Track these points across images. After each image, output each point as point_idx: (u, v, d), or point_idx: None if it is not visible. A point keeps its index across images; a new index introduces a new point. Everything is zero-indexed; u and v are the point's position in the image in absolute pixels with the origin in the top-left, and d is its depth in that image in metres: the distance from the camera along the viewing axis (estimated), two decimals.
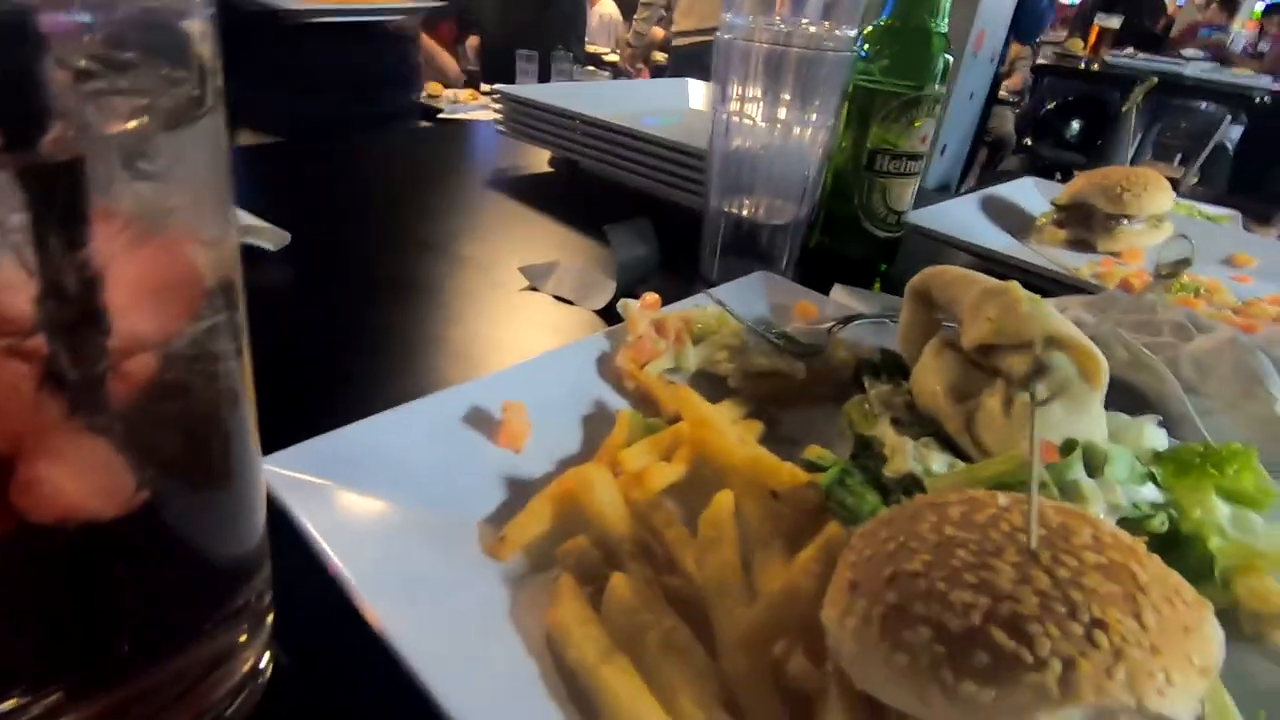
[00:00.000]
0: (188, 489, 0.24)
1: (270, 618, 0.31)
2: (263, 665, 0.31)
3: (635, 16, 4.21)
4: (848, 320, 0.61)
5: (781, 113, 0.69)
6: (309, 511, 0.34)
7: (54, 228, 0.18)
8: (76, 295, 0.19)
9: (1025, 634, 0.23)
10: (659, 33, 5.05)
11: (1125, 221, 0.90)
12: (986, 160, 4.43)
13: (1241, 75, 3.86)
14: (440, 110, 3.37)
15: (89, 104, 0.18)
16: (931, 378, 0.47)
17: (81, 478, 0.21)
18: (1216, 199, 1.93)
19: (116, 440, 0.21)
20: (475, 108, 3.42)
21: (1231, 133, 4.17)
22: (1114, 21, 4.45)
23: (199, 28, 0.19)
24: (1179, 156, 4.22)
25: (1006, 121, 4.40)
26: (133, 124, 0.19)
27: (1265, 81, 3.80)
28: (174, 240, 0.21)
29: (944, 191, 2.19)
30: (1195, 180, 4.03)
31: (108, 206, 0.19)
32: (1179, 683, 0.22)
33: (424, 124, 3.41)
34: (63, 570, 0.22)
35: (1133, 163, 3.73)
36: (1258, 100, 3.47)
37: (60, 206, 0.18)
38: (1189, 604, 0.25)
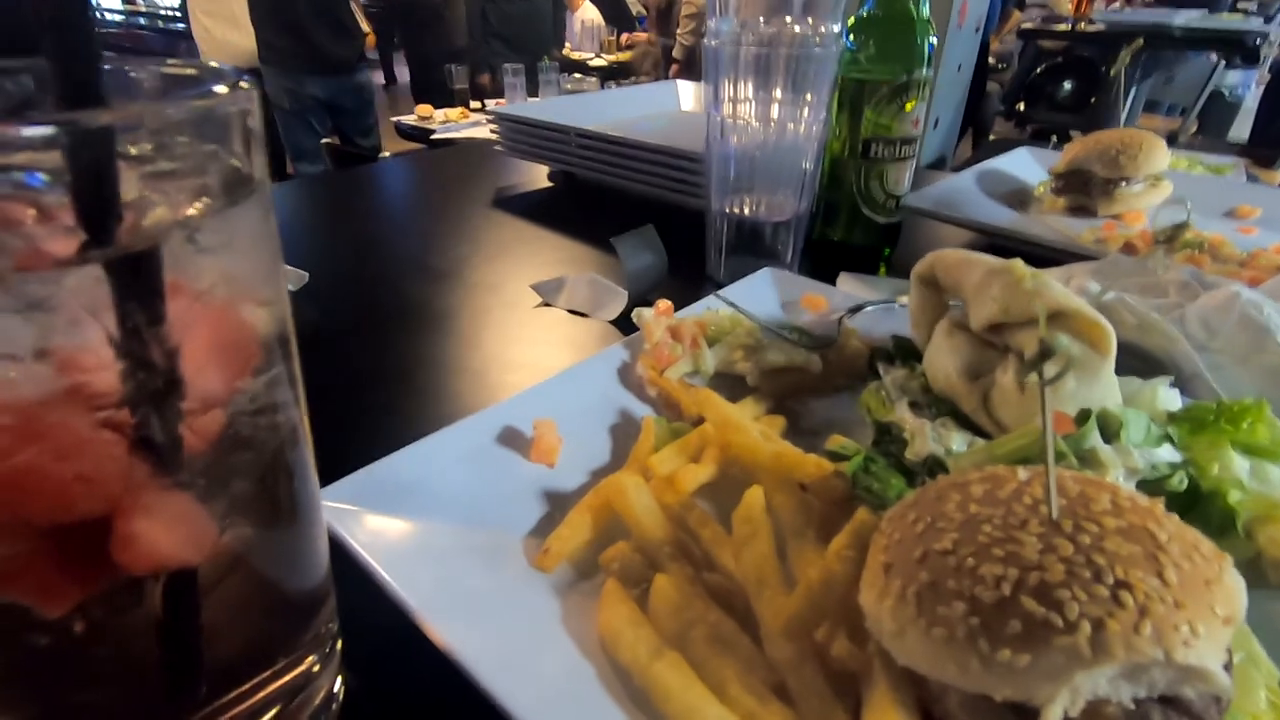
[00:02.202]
0: (261, 529, 0.26)
1: (338, 645, 0.33)
2: (335, 690, 0.33)
3: (678, 30, 4.24)
4: (856, 309, 0.62)
5: (774, 111, 0.70)
6: (363, 539, 0.36)
7: (136, 309, 0.20)
8: (158, 366, 0.20)
9: (1054, 600, 0.25)
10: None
11: (1124, 184, 0.91)
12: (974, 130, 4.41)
13: (1233, 20, 3.81)
14: (433, 131, 3.41)
15: (153, 190, 0.20)
16: (944, 359, 0.48)
17: (171, 530, 0.22)
18: (1217, 148, 1.92)
19: (197, 492, 0.23)
20: (466, 126, 3.45)
21: (1228, 79, 4.12)
22: None
23: (246, 111, 0.21)
24: (1174, 108, 4.19)
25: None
26: (196, 205, 0.20)
27: (1256, 24, 3.75)
28: (235, 305, 0.23)
29: (940, 165, 2.19)
30: (1194, 130, 3.99)
31: (176, 282, 0.21)
32: (1204, 633, 0.24)
33: (417, 145, 3.45)
34: (153, 616, 0.24)
35: (1126, 121, 3.70)
36: (1250, 44, 3.43)
37: (140, 290, 0.19)
38: (1208, 558, 0.26)
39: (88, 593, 0.23)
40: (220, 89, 0.21)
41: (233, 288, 0.22)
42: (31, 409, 0.19)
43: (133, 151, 0.20)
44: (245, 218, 0.22)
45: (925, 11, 0.74)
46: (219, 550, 0.24)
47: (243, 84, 0.21)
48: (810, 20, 0.67)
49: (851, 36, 0.75)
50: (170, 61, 0.23)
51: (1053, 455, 0.27)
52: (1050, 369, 0.25)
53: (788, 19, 0.67)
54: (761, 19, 0.68)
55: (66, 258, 0.19)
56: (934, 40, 0.74)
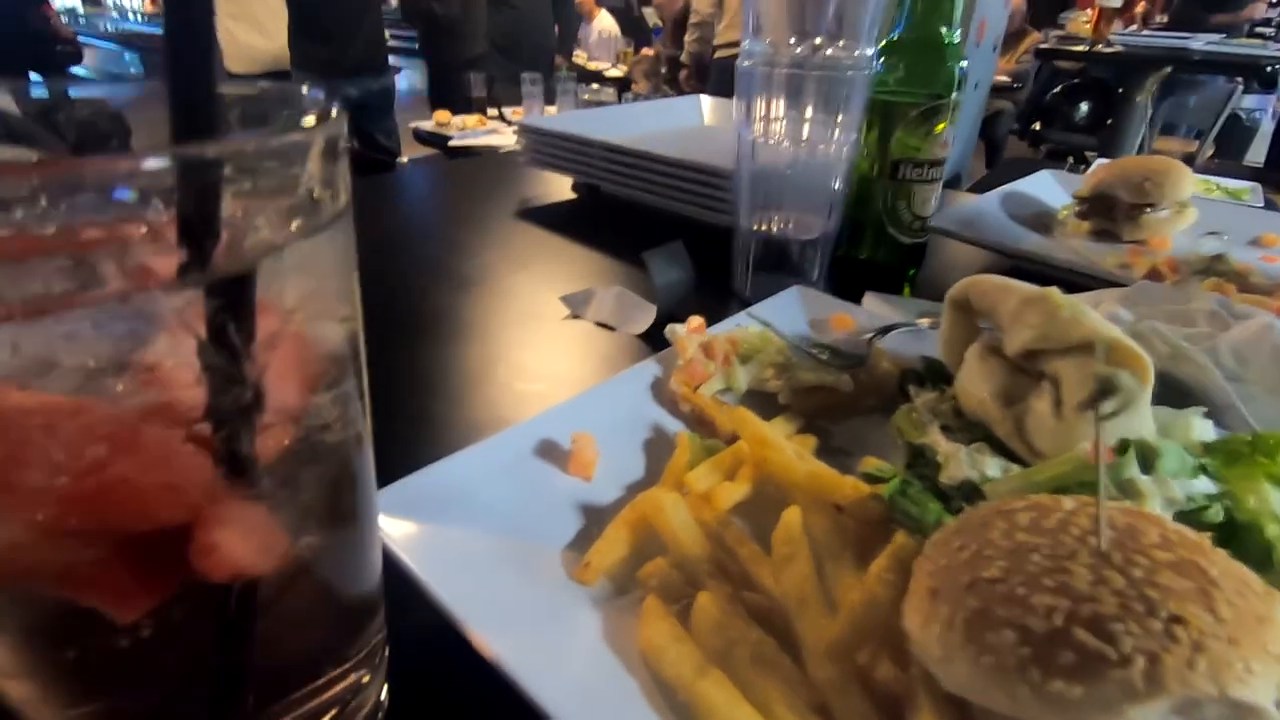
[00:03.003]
0: (327, 539, 0.27)
1: (386, 654, 0.33)
2: (383, 698, 0.33)
3: (686, 38, 4.29)
4: (887, 330, 0.62)
5: (805, 131, 0.71)
6: (409, 549, 0.36)
7: (228, 327, 0.20)
8: (245, 382, 0.21)
9: (1108, 632, 0.25)
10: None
11: (1149, 210, 0.91)
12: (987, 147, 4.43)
13: (1251, 45, 3.81)
14: (450, 137, 3.44)
15: (247, 212, 0.21)
16: (977, 383, 0.49)
17: (247, 540, 0.23)
18: (1235, 172, 1.92)
19: (271, 503, 0.24)
20: (483, 133, 3.49)
21: (1245, 102, 4.12)
22: (1115, 1, 4.43)
23: (337, 137, 0.22)
24: (1190, 130, 4.18)
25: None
26: (287, 227, 0.21)
27: (1276, 49, 3.75)
28: (316, 322, 0.23)
29: (955, 182, 2.19)
30: (1210, 153, 3.99)
31: (264, 300, 0.22)
32: (1259, 670, 0.24)
33: (432, 150, 3.47)
34: (213, 625, 0.25)
35: (1143, 143, 3.69)
36: (1267, 69, 3.43)
37: (233, 309, 0.20)
38: (1260, 595, 0.26)
39: (158, 600, 0.24)
40: (311, 118, 0.21)
41: (315, 306, 0.23)
42: (129, 422, 0.20)
43: (231, 175, 0.20)
44: (330, 239, 0.23)
45: (957, 36, 0.74)
46: (288, 559, 0.24)
47: (333, 111, 0.22)
48: (842, 42, 0.68)
49: (883, 59, 0.75)
50: (261, 85, 0.23)
51: (1104, 489, 0.27)
52: (1110, 405, 0.25)
53: (819, 40, 0.68)
54: (793, 40, 0.68)
55: (168, 277, 0.20)
56: (965, 65, 0.74)
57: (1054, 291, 0.46)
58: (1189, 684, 0.23)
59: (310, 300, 0.23)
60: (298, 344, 0.23)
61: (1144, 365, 0.41)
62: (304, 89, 0.23)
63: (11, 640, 0.24)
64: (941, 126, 0.76)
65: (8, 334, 0.18)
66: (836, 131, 0.71)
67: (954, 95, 0.75)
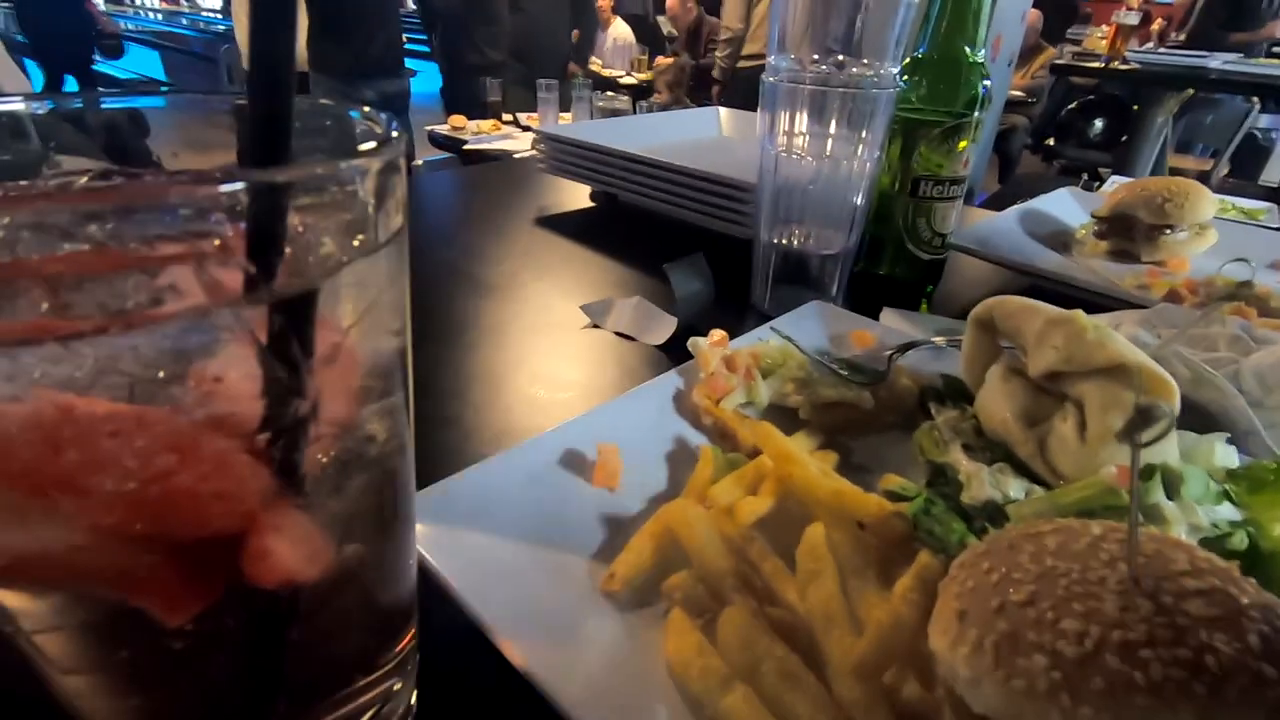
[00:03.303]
0: (370, 547, 0.27)
1: (417, 661, 0.34)
2: (412, 703, 0.34)
3: (717, 54, 4.32)
4: (907, 347, 0.63)
5: (829, 146, 0.71)
6: (438, 555, 0.37)
7: (289, 342, 0.21)
8: (302, 395, 0.22)
9: (1137, 659, 0.25)
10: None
11: (1169, 231, 0.91)
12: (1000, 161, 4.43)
13: (1269, 65, 3.80)
14: (465, 141, 3.47)
15: (311, 231, 0.22)
16: (1000, 403, 0.49)
17: (297, 547, 0.24)
18: (1251, 192, 1.91)
19: (320, 512, 0.24)
20: (498, 138, 3.51)
21: (1261, 122, 4.10)
22: (1132, 18, 4.43)
23: (397, 159, 0.22)
24: (1206, 149, 4.17)
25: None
26: (348, 246, 0.22)
27: None
28: (370, 337, 0.24)
29: (969, 196, 2.19)
30: (1226, 172, 3.97)
31: (322, 315, 0.22)
32: None
33: (445, 153, 3.49)
34: (255, 631, 0.25)
35: (1158, 161, 3.69)
36: None
37: (295, 324, 0.21)
38: None
39: (205, 605, 0.24)
40: (372, 144, 0.22)
41: (370, 321, 0.24)
42: (193, 432, 0.21)
43: (297, 195, 0.21)
44: (387, 257, 0.23)
45: (981, 55, 0.75)
46: (333, 566, 0.25)
47: (394, 133, 0.23)
48: (867, 60, 0.69)
49: (906, 76, 0.76)
50: (322, 102, 0.24)
51: (1136, 515, 0.27)
52: (1150, 433, 0.25)
53: (844, 58, 0.69)
54: (817, 57, 0.69)
55: (234, 293, 0.20)
56: (987, 83, 0.75)
57: (1079, 314, 0.46)
58: (1216, 713, 0.24)
59: (366, 315, 0.24)
60: (353, 358, 0.23)
61: (1171, 390, 0.41)
62: (366, 110, 0.24)
63: (67, 637, 0.24)
64: (964, 144, 0.76)
65: (81, 346, 0.19)
66: (860, 148, 0.71)
67: (976, 114, 0.75)
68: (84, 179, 0.24)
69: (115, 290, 0.20)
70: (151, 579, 0.24)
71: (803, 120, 0.71)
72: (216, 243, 0.21)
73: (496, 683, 0.34)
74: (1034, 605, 0.28)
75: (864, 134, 0.70)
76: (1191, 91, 3.40)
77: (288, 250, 0.21)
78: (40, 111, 0.25)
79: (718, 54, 4.30)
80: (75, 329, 0.18)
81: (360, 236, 0.22)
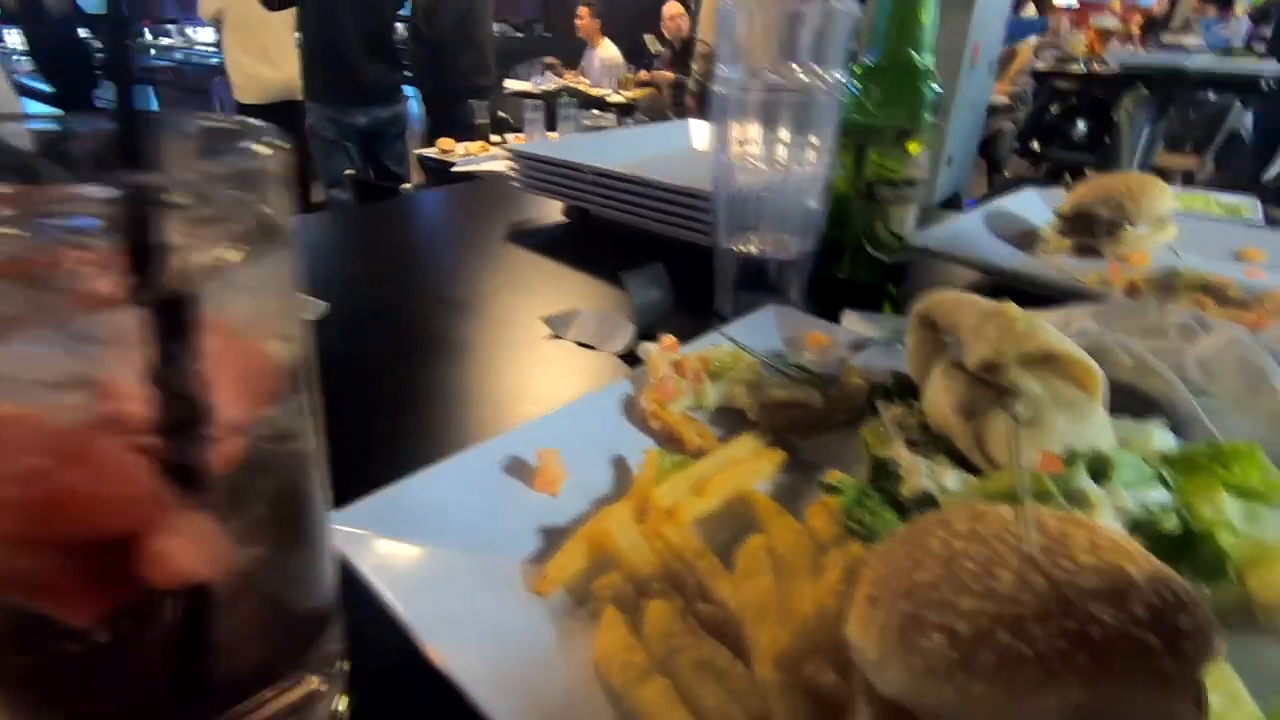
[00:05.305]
0: (273, 550, 0.28)
1: (345, 665, 0.34)
2: (340, 709, 0.34)
3: (694, 68, 4.40)
4: (858, 346, 0.63)
5: (781, 153, 0.72)
6: (371, 563, 0.37)
7: (174, 345, 0.22)
8: (190, 397, 0.22)
9: (1026, 634, 0.25)
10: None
11: (1129, 226, 0.92)
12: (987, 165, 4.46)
13: (1246, 63, 3.84)
14: (454, 164, 3.50)
15: (193, 236, 0.22)
16: (942, 397, 0.49)
17: (194, 549, 0.24)
18: (1235, 187, 1.92)
19: (218, 513, 0.25)
20: (486, 159, 3.54)
21: (1245, 120, 4.14)
22: (1110, 21, 4.48)
23: (280, 167, 0.23)
24: (1192, 146, 4.20)
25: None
26: (231, 250, 0.23)
27: (1272, 67, 3.78)
28: (260, 340, 0.25)
29: (954, 201, 2.21)
30: (1211, 168, 4.00)
31: (209, 319, 0.23)
32: (1172, 671, 0.25)
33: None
34: (169, 631, 0.26)
35: (1141, 159, 3.72)
36: (1265, 87, 3.45)
37: (179, 328, 0.21)
38: (1179, 595, 0.27)
39: (110, 606, 0.25)
40: (259, 148, 0.23)
41: (258, 324, 0.24)
42: (75, 435, 0.21)
43: (178, 201, 0.22)
44: (272, 261, 0.24)
45: (929, 60, 0.76)
46: (234, 568, 0.26)
47: (278, 143, 0.23)
48: (815, 68, 0.70)
49: (857, 83, 0.77)
50: (215, 117, 0.25)
51: (1027, 492, 0.28)
52: (1023, 410, 0.26)
53: (794, 66, 0.70)
54: (766, 66, 0.70)
55: (115, 298, 0.21)
56: (937, 87, 0.76)
57: (1010, 305, 0.47)
58: (1101, 681, 0.24)
59: (254, 319, 0.24)
60: (241, 361, 0.24)
61: (1092, 376, 0.41)
62: (248, 121, 0.25)
63: None
64: (915, 148, 0.78)
65: None
66: (811, 154, 0.72)
67: (926, 118, 0.76)
68: None
69: None
70: (54, 581, 0.24)
71: (754, 128, 0.72)
72: (102, 247, 0.22)
73: (433, 689, 0.34)
74: (937, 587, 0.29)
75: (814, 139, 0.71)
76: (1146, 91, 3.43)
77: (164, 255, 0.21)
78: None
79: (694, 68, 4.36)
80: None
81: (243, 242, 0.23)
